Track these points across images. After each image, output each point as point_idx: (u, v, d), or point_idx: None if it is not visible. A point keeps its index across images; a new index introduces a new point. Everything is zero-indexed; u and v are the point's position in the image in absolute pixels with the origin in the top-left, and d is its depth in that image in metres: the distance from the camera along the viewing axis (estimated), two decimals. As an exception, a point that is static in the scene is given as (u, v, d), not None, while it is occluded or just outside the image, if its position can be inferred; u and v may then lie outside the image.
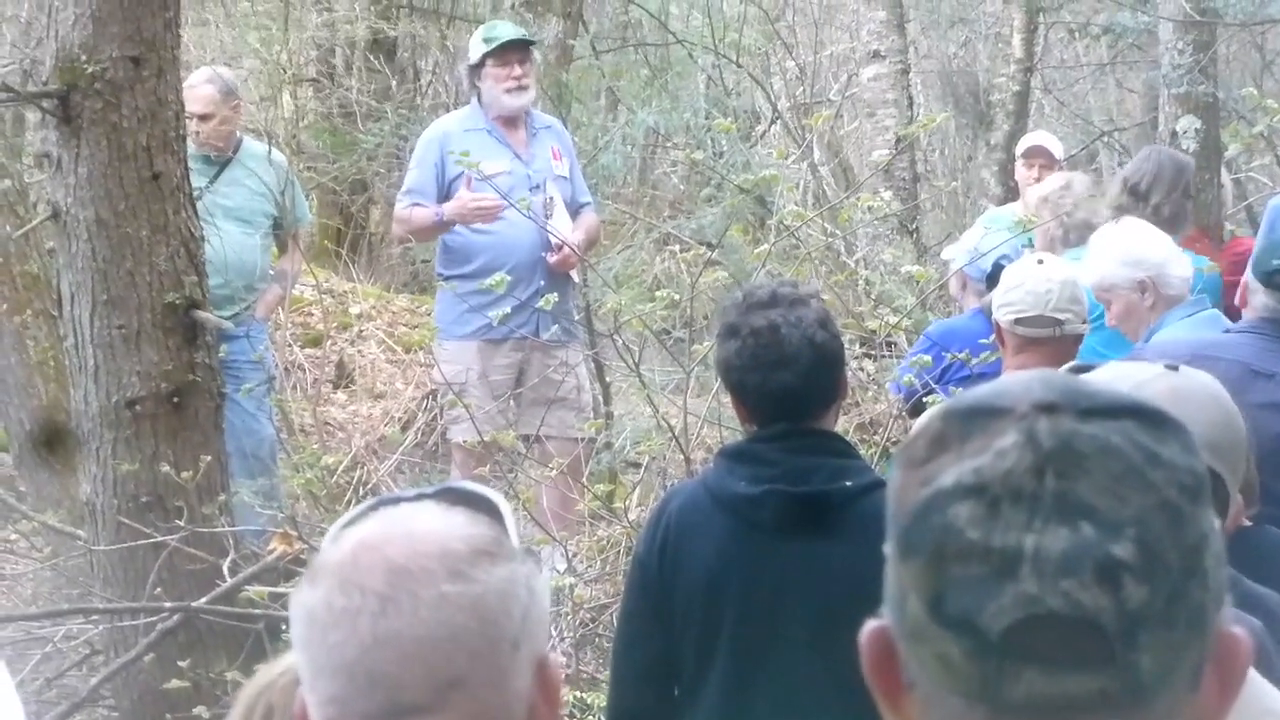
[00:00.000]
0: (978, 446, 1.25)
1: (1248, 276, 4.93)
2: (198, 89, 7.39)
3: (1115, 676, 1.21)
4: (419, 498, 1.79)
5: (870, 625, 1.32)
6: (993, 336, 5.44)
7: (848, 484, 3.61)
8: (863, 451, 5.05)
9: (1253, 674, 1.81)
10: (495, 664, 1.70)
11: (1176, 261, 5.56)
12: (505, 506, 1.82)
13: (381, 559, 1.68)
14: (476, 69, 7.67)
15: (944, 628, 1.23)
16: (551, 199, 7.59)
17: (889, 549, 1.29)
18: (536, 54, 8.28)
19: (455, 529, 1.72)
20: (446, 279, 7.51)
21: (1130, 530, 1.21)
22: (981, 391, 1.31)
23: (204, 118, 7.45)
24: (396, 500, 1.79)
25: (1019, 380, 1.29)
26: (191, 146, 6.49)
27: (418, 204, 7.62)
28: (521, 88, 7.64)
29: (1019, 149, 9.09)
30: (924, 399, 5.63)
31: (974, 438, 1.25)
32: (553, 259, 7.38)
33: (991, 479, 1.23)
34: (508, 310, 6.63)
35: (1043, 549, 1.20)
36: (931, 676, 1.26)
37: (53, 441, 6.83)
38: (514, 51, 7.64)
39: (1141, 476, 1.23)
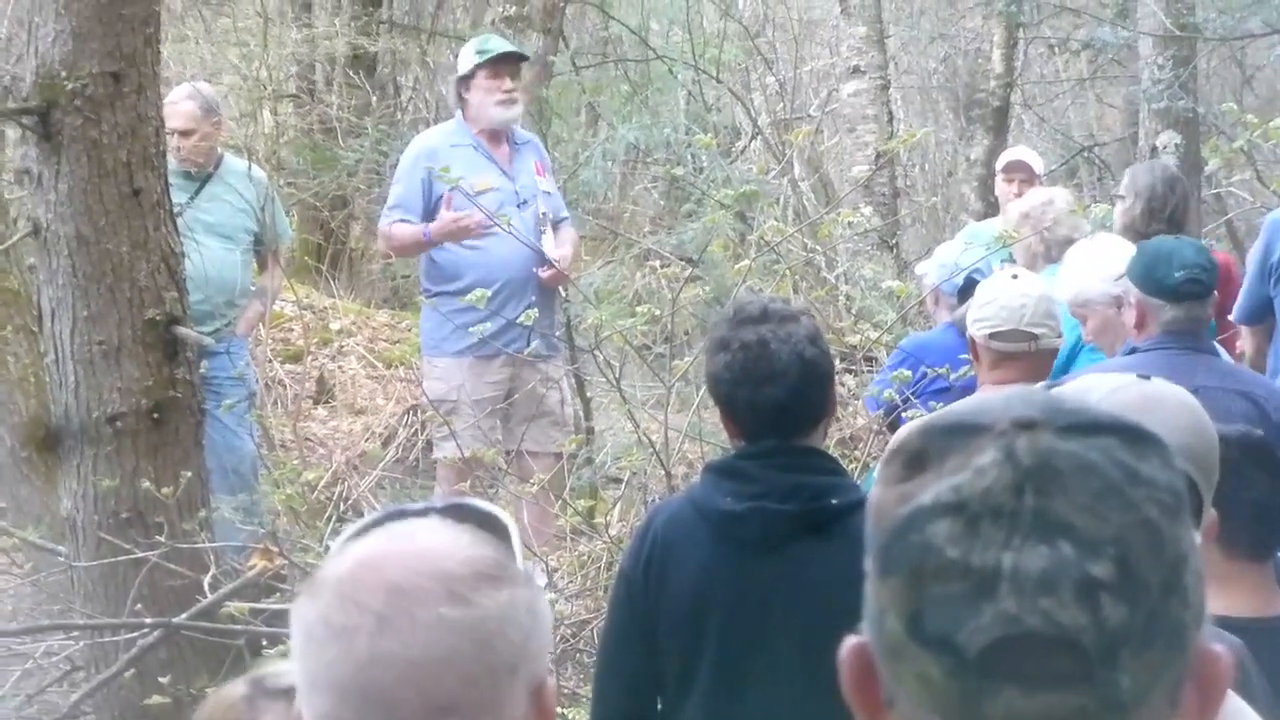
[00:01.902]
0: (957, 464, 1.24)
1: (1140, 295, 4.92)
2: (178, 105, 7.39)
3: (1094, 695, 1.21)
4: (427, 512, 1.77)
5: (850, 641, 1.31)
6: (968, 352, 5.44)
7: (834, 501, 3.61)
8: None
9: (1231, 695, 1.81)
10: (490, 690, 1.68)
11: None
12: (513, 526, 1.80)
13: (381, 578, 1.67)
14: (466, 80, 7.67)
15: (922, 646, 1.23)
16: (546, 214, 7.59)
17: (868, 566, 1.29)
18: (525, 71, 8.31)
19: (458, 550, 1.70)
20: (432, 295, 7.42)
21: (1109, 549, 1.21)
22: (962, 408, 1.30)
23: (184, 134, 7.45)
24: (403, 514, 1.77)
25: (999, 397, 1.29)
26: (172, 162, 6.48)
27: (403, 220, 7.58)
28: (511, 101, 7.66)
29: (999, 164, 9.10)
30: (902, 414, 5.64)
31: (953, 455, 1.25)
32: (545, 274, 7.36)
33: (970, 496, 1.22)
34: (488, 325, 6.60)
35: (1021, 567, 1.20)
36: (911, 694, 1.26)
37: (44, 448, 6.80)
38: (505, 64, 7.68)
39: (1121, 494, 1.22)
